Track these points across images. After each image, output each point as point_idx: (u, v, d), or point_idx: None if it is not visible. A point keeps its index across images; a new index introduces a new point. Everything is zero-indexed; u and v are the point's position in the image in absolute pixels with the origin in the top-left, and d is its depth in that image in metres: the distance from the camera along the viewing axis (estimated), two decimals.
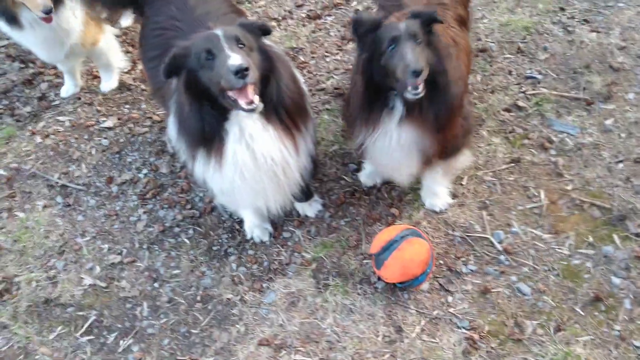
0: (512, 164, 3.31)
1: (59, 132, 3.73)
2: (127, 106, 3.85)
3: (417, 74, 2.25)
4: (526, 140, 3.42)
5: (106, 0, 3.17)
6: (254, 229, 3.09)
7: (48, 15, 3.07)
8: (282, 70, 2.38)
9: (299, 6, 4.48)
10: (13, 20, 3.17)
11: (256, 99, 2.18)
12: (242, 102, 2.17)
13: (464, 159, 3.07)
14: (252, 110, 2.19)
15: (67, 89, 3.92)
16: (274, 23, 4.35)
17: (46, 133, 3.72)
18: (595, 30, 4.02)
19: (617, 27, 4.03)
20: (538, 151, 3.37)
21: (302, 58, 4.08)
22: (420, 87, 2.33)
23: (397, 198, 3.20)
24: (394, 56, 2.31)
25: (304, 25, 4.32)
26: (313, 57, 4.09)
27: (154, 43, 2.88)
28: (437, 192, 3.11)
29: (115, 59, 3.86)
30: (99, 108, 3.86)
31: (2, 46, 4.32)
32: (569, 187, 3.18)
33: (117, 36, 4.00)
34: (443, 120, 2.52)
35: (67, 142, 3.67)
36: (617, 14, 4.15)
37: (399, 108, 2.49)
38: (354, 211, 3.18)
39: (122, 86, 3.97)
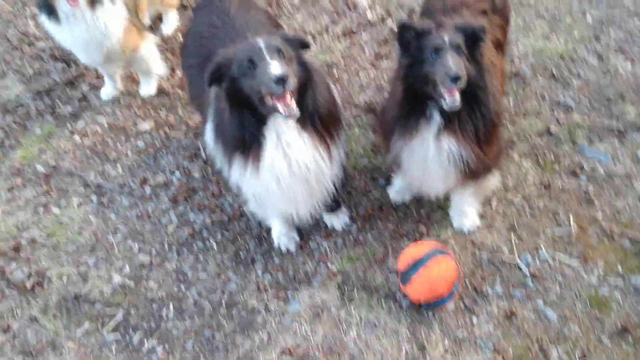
0: (542, 189, 3.30)
1: (97, 132, 3.84)
2: (164, 111, 3.94)
3: (455, 79, 2.29)
4: (557, 165, 3.41)
5: None
6: (281, 237, 3.13)
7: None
8: (318, 81, 2.47)
9: (334, 22, 4.55)
10: (52, 12, 3.30)
11: (294, 104, 2.27)
12: (280, 108, 2.25)
13: (494, 181, 3.07)
14: (290, 116, 2.28)
15: (107, 92, 4.03)
16: (309, 37, 4.42)
17: (85, 133, 3.83)
18: (631, 60, 4.01)
19: None
20: (568, 177, 3.36)
21: (335, 73, 4.14)
22: (457, 97, 2.36)
23: (425, 215, 3.21)
24: (435, 64, 2.36)
25: (339, 41, 4.39)
26: (346, 72, 4.14)
27: (194, 52, 2.98)
28: (466, 212, 3.11)
29: (155, 66, 3.96)
30: (137, 111, 3.96)
31: (48, 47, 4.45)
32: (599, 215, 3.16)
33: (158, 44, 4.10)
34: (482, 134, 2.54)
35: (105, 143, 3.77)
36: None
37: (436, 118, 2.52)
38: (381, 225, 3.20)
39: (161, 92, 4.07)
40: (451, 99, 2.37)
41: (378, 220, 3.22)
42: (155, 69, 3.99)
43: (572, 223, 3.13)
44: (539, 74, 3.97)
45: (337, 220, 3.20)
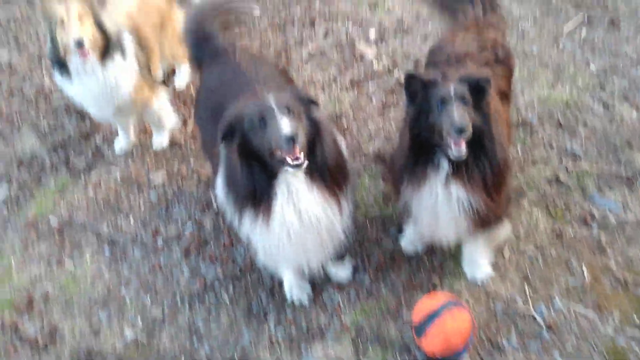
0: (554, 237, 3.31)
1: (110, 184, 3.91)
2: (177, 162, 4.03)
3: (461, 131, 2.36)
4: (568, 214, 3.44)
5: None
6: (293, 288, 3.14)
7: (81, 48, 3.28)
8: (326, 136, 2.53)
9: (342, 74, 4.69)
10: (64, 67, 3.43)
11: (302, 155, 2.34)
12: (289, 159, 2.32)
13: (505, 230, 3.10)
14: (298, 166, 2.34)
15: (121, 144, 4.14)
16: (319, 89, 4.55)
17: (98, 185, 3.91)
18: (636, 107, 4.10)
19: None
20: (580, 226, 3.38)
21: (344, 123, 4.24)
22: (463, 147, 2.43)
23: (438, 266, 3.23)
24: (441, 115, 2.44)
25: (347, 92, 4.51)
26: (355, 122, 4.24)
27: (206, 105, 3.07)
28: (479, 263, 3.13)
29: (167, 119, 4.08)
30: (149, 163, 4.05)
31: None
32: (612, 264, 3.16)
33: (170, 97, 4.23)
34: (490, 182, 2.58)
35: (117, 195, 3.84)
36: None
37: (444, 166, 2.57)
38: (394, 277, 3.21)
39: (173, 143, 4.17)
40: (457, 149, 2.43)
41: (390, 270, 3.23)
42: (168, 121, 4.10)
43: (585, 272, 3.14)
44: (546, 122, 4.05)
45: (343, 271, 3.21)
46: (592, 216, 3.41)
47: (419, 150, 2.58)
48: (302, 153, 2.34)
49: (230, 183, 2.56)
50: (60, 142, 4.28)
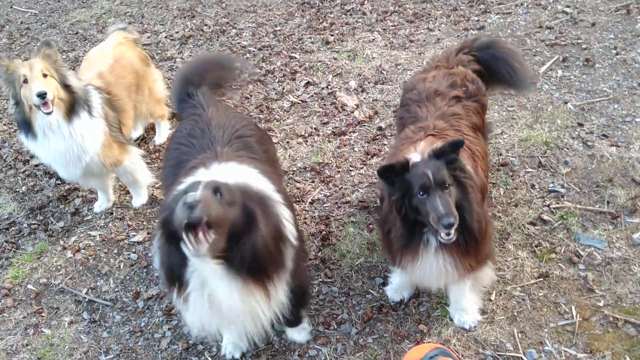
0: (541, 279, 3.42)
1: (89, 246, 4.00)
2: (157, 221, 4.13)
3: (449, 226, 2.53)
4: (553, 254, 3.56)
5: None
6: (228, 344, 3.19)
7: (44, 101, 3.43)
8: (262, 226, 2.41)
9: (324, 124, 4.90)
10: (29, 129, 3.56)
11: (204, 242, 2.19)
12: (188, 242, 2.18)
13: (489, 273, 3.22)
14: (195, 254, 2.21)
15: (100, 205, 4.27)
16: (300, 139, 4.74)
17: (77, 248, 3.98)
18: (615, 144, 4.29)
19: (636, 141, 4.31)
20: (566, 265, 3.49)
21: (327, 172, 4.40)
22: (452, 233, 2.60)
23: (425, 314, 3.30)
24: (425, 204, 2.59)
25: (329, 142, 4.69)
26: (338, 172, 4.40)
27: (172, 155, 3.16)
28: (466, 308, 3.22)
29: (141, 177, 4.19)
30: (129, 222, 4.15)
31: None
32: (601, 303, 3.26)
33: (144, 154, 4.36)
34: (472, 247, 2.79)
35: (97, 257, 3.92)
36: (636, 129, 4.44)
37: (432, 242, 2.77)
38: (381, 327, 3.27)
39: (153, 200, 4.29)
40: (447, 237, 2.61)
41: (378, 322, 3.29)
42: (142, 179, 4.21)
43: (574, 313, 3.22)
44: (527, 163, 4.23)
45: (299, 336, 3.24)
46: (578, 255, 3.53)
47: (410, 228, 2.74)
48: (205, 237, 2.18)
49: (159, 258, 2.57)
50: (39, 205, 4.39)
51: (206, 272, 2.41)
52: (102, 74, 4.02)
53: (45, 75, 3.49)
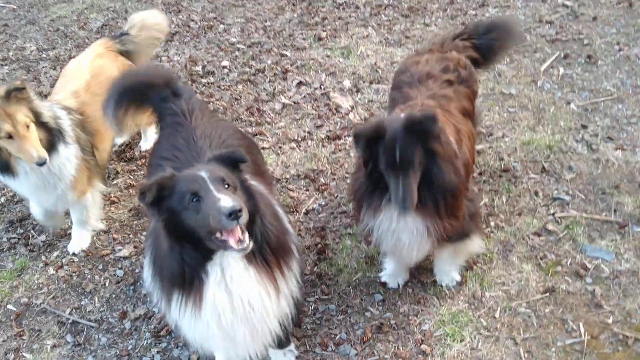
0: (547, 294, 3.32)
1: (73, 262, 3.85)
2: (144, 234, 3.98)
3: (404, 208, 2.65)
4: (559, 267, 3.45)
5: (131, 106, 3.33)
6: None
7: (42, 165, 3.29)
8: (264, 208, 2.42)
9: (318, 127, 4.75)
10: (7, 169, 3.36)
11: (246, 237, 2.21)
12: (232, 242, 2.18)
13: (474, 245, 3.26)
14: (243, 250, 2.21)
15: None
16: (293, 144, 4.59)
17: (60, 264, 3.83)
18: (621, 147, 4.19)
19: None
20: (573, 279, 3.39)
21: (322, 180, 4.26)
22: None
23: (427, 333, 3.19)
24: (390, 182, 2.69)
25: (323, 146, 4.55)
26: (334, 179, 4.26)
27: (155, 170, 2.97)
28: (447, 271, 3.39)
29: (94, 216, 3.93)
30: (115, 235, 4.00)
31: None
32: (610, 320, 3.16)
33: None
34: (443, 206, 2.79)
35: (81, 273, 3.77)
36: None
37: None
38: (382, 348, 3.16)
39: (140, 212, 4.14)
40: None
41: (378, 342, 3.18)
42: (94, 222, 3.95)
43: (582, 331, 3.12)
44: (530, 168, 4.11)
45: (284, 358, 3.10)
46: (585, 268, 3.43)
47: (374, 184, 2.80)
48: (245, 234, 2.21)
49: (156, 265, 2.43)
50: (19, 218, 4.22)
51: (227, 263, 2.32)
52: (78, 92, 3.76)
53: (27, 126, 3.25)
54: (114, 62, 4.10)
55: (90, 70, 3.93)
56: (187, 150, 2.91)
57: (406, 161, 2.61)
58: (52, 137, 3.42)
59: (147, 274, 2.55)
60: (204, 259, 2.31)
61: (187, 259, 2.29)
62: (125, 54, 4.26)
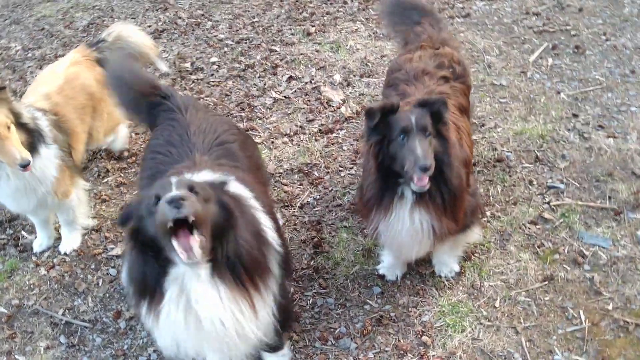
0: (546, 282, 3.27)
1: (64, 262, 3.72)
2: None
3: (425, 170, 2.48)
4: (557, 255, 3.41)
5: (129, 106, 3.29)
6: None
7: (25, 167, 3.10)
8: (241, 224, 2.26)
9: (310, 121, 4.66)
10: None
11: (196, 247, 2.02)
12: (179, 249, 2.01)
13: (474, 235, 3.25)
14: (188, 262, 2.04)
15: (40, 243, 3.82)
16: (286, 139, 4.50)
17: (51, 264, 3.70)
18: (612, 135, 4.16)
19: (633, 131, 4.18)
20: (571, 267, 3.34)
21: (316, 174, 4.17)
22: (426, 182, 2.55)
23: (428, 324, 3.13)
24: (403, 147, 2.56)
25: (316, 140, 4.46)
26: (327, 172, 4.18)
27: (148, 165, 2.91)
28: (446, 262, 3.34)
29: (81, 215, 3.80)
30: (107, 234, 3.87)
31: None
32: (610, 307, 3.12)
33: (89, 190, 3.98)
34: (449, 206, 2.74)
35: (73, 273, 3.64)
36: (632, 118, 4.31)
37: (408, 196, 2.73)
38: (382, 341, 3.09)
39: None
40: (420, 185, 2.56)
41: (378, 335, 3.11)
42: (81, 220, 3.82)
43: (583, 318, 3.08)
44: (523, 158, 4.07)
45: None
46: (583, 255, 3.39)
47: (385, 180, 2.71)
48: (196, 243, 2.03)
49: (129, 270, 2.32)
50: (8, 218, 4.08)
51: (188, 280, 2.17)
52: (49, 94, 3.59)
53: (8, 128, 3.08)
54: (91, 72, 3.94)
55: (65, 76, 3.76)
56: (181, 146, 2.82)
57: (422, 125, 2.56)
58: (32, 139, 3.24)
59: (123, 278, 2.45)
60: (162, 273, 2.18)
61: (146, 269, 2.19)
62: (103, 61, 4.05)
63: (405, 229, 2.77)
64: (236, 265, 2.21)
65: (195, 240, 2.03)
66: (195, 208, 2.00)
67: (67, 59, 3.99)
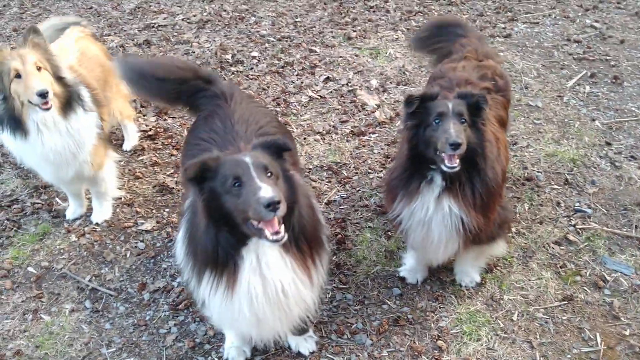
0: (565, 302, 3.29)
1: (95, 231, 3.83)
2: (167, 209, 3.97)
3: (455, 146, 2.53)
4: (578, 276, 3.43)
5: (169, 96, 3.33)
6: (232, 348, 3.01)
7: (45, 100, 3.13)
8: (302, 200, 2.39)
9: (343, 122, 4.74)
10: (18, 126, 3.21)
11: (282, 229, 2.16)
12: (268, 233, 2.14)
13: (498, 249, 3.28)
14: (277, 241, 2.17)
15: (74, 211, 3.94)
16: (318, 137, 4.58)
17: (82, 232, 3.82)
18: None
19: None
20: (592, 289, 3.36)
21: (345, 173, 4.24)
22: (456, 162, 2.59)
23: (444, 330, 3.16)
24: (437, 129, 2.63)
25: (347, 141, 4.54)
26: (356, 173, 4.25)
27: (191, 152, 2.96)
28: (468, 272, 3.37)
29: (111, 187, 3.90)
30: (138, 209, 3.98)
31: None
32: (627, 332, 3.13)
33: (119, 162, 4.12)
34: (480, 200, 2.76)
35: (103, 243, 3.75)
36: None
37: (437, 182, 2.75)
38: (397, 341, 3.13)
39: (164, 189, 4.13)
40: (450, 163, 2.60)
41: (394, 335, 3.15)
42: (111, 190, 3.91)
43: (598, 340, 3.09)
44: (552, 179, 4.09)
45: (304, 345, 3.07)
46: (604, 280, 3.40)
47: (416, 164, 2.77)
48: (282, 226, 2.17)
49: (191, 241, 2.40)
50: (44, 184, 4.21)
51: (262, 250, 2.31)
52: (73, 67, 3.64)
53: (39, 69, 3.17)
54: (95, 45, 4.08)
55: (78, 49, 3.84)
56: (224, 134, 2.89)
57: (458, 111, 2.63)
58: (70, 96, 3.32)
59: (179, 250, 2.53)
60: (239, 244, 2.29)
61: (222, 241, 2.26)
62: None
63: (430, 217, 2.78)
64: (300, 238, 2.37)
65: (281, 223, 2.17)
66: (284, 203, 2.11)
67: (70, 37, 3.99)
